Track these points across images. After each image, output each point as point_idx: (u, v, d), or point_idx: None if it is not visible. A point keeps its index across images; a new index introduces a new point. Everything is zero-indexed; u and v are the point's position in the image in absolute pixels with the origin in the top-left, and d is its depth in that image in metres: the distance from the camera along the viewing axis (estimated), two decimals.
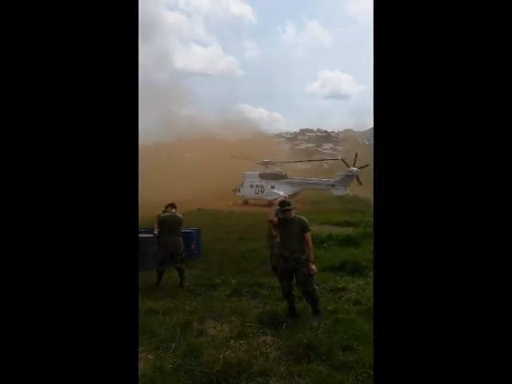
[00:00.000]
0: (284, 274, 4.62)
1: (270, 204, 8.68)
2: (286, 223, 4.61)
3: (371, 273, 6.46)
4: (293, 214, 4.64)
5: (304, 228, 4.60)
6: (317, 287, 4.71)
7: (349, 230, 10.89)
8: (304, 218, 4.72)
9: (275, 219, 4.62)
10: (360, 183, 25.03)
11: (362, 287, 5.72)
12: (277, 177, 26.69)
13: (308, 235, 4.62)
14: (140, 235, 5.91)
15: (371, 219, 13.45)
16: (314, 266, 4.54)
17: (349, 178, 25.39)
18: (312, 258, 4.60)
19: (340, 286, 5.75)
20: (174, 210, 6.41)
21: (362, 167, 25.15)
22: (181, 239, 6.34)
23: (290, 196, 19.65)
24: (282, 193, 24.21)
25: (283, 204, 4.66)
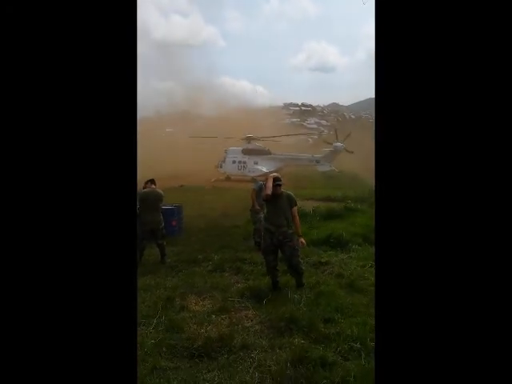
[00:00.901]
0: (269, 249, 4.61)
1: (252, 180, 8.56)
2: (274, 198, 4.57)
3: (354, 247, 6.55)
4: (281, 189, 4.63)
5: (291, 203, 4.64)
6: (301, 261, 4.73)
7: (333, 205, 10.97)
8: (291, 193, 4.72)
9: (270, 194, 4.56)
10: (351, 152, 25.25)
11: (345, 261, 5.78)
12: (260, 152, 26.51)
13: (295, 210, 4.66)
14: None
15: (356, 194, 13.62)
16: (303, 240, 4.63)
17: (333, 153, 25.50)
18: (300, 232, 4.67)
19: (323, 260, 5.80)
20: (153, 186, 6.24)
21: (348, 151, 25.33)
22: (161, 216, 6.22)
23: (274, 172, 19.63)
24: (264, 169, 24.20)
25: (275, 179, 4.61)
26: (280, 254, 4.69)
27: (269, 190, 4.54)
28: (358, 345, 3.12)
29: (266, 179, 4.73)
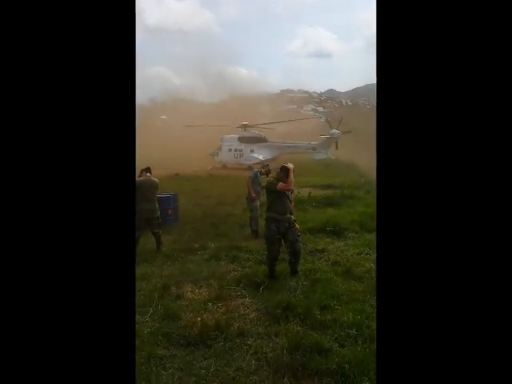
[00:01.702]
0: (275, 238, 4.60)
1: (249, 168, 8.48)
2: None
3: (350, 234, 6.55)
4: None
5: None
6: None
7: (329, 192, 10.96)
8: None
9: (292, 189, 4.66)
10: (336, 148, 25.14)
11: (341, 248, 5.78)
12: (256, 140, 26.29)
13: (292, 196, 4.77)
14: None
15: (352, 181, 13.63)
16: (297, 225, 4.73)
17: (330, 140, 25.34)
18: (295, 217, 4.78)
19: (319, 247, 5.80)
20: (148, 175, 6.17)
21: (345, 132, 25.14)
22: (157, 204, 6.17)
23: (270, 160, 19.55)
24: (261, 157, 24.09)
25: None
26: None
27: (292, 184, 4.60)
28: (355, 331, 3.14)
29: (288, 170, 4.61)
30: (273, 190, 4.63)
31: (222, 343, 3.06)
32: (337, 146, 25.15)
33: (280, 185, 4.58)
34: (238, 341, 3.10)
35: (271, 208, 4.69)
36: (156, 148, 23.76)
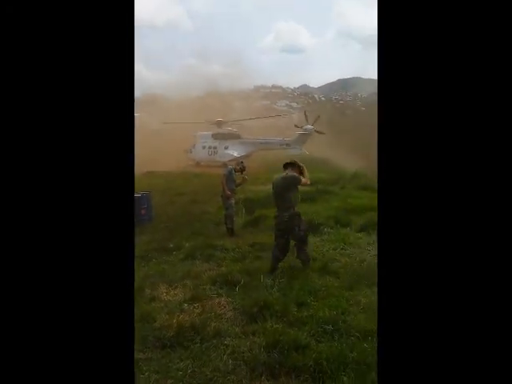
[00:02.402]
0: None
1: (224, 165, 8.36)
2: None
3: (326, 229, 6.60)
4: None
5: None
6: None
7: (305, 188, 11.01)
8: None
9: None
10: (322, 133, 25.24)
11: (317, 244, 5.82)
12: (230, 137, 26.08)
13: None
14: None
15: (327, 177, 13.80)
16: None
17: (304, 136, 25.44)
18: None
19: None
20: None
21: (319, 132, 25.28)
22: None
23: (244, 157, 19.46)
24: (235, 153, 23.95)
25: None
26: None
27: (308, 180, 4.70)
28: (331, 327, 3.17)
29: (302, 167, 4.74)
30: (297, 185, 4.66)
31: (198, 344, 3.02)
32: (321, 132, 25.18)
33: (304, 180, 4.67)
34: (214, 341, 3.06)
35: (296, 204, 4.72)
36: None
